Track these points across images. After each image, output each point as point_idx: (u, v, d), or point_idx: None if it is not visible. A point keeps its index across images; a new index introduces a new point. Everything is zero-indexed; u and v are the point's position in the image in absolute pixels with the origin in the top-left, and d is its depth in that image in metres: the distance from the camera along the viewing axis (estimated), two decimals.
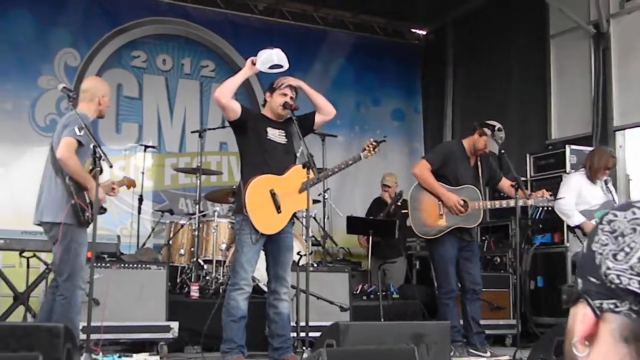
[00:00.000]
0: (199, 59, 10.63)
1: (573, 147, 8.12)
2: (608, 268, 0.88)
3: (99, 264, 5.85)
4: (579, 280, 0.93)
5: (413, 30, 12.43)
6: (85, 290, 5.13)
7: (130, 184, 5.77)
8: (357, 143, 11.10)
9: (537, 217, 7.74)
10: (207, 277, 7.20)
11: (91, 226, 4.97)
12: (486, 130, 6.32)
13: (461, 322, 6.47)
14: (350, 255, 9.60)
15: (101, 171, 5.16)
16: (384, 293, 7.27)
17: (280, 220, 5.39)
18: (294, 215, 5.63)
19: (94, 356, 5.05)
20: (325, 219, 8.59)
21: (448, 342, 5.06)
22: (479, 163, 6.50)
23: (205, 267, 7.37)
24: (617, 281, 0.87)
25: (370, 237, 8.11)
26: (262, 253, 5.53)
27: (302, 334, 5.22)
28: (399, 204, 8.13)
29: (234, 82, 5.43)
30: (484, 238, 8.54)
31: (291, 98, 5.51)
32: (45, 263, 6.48)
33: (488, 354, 6.30)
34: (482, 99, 10.73)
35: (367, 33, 11.90)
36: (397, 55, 12.17)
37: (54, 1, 9.66)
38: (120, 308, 5.87)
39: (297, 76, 5.81)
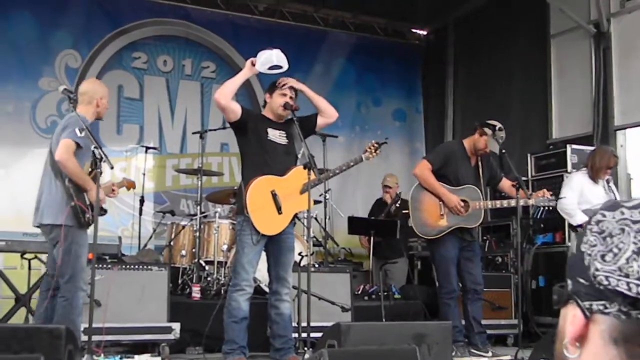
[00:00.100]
0: (199, 60, 10.64)
1: (574, 146, 8.13)
2: (596, 269, 0.87)
3: (100, 266, 5.85)
4: (569, 281, 0.93)
5: (414, 30, 12.43)
6: (86, 291, 5.13)
7: (130, 185, 5.78)
8: (358, 143, 11.12)
9: (538, 216, 7.74)
10: (209, 278, 7.20)
11: (92, 227, 4.98)
12: (487, 130, 6.32)
13: (463, 322, 6.47)
14: (351, 256, 9.60)
15: (100, 173, 5.17)
16: (385, 293, 7.26)
17: (281, 221, 5.39)
18: (295, 216, 5.63)
19: (95, 357, 5.05)
20: (327, 220, 8.59)
21: (450, 342, 5.06)
22: (479, 163, 6.50)
23: (207, 268, 7.37)
24: (605, 282, 0.86)
25: (372, 238, 8.11)
26: (264, 254, 5.54)
27: (304, 335, 5.22)
28: (398, 205, 8.13)
29: (233, 83, 5.43)
30: (485, 238, 8.54)
31: (291, 98, 5.52)
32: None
33: (490, 354, 6.30)
34: (483, 99, 10.73)
35: (367, 33, 11.90)
36: (397, 56, 12.17)
37: (54, 3, 9.66)
38: (122, 309, 5.87)
39: (298, 77, 5.81)
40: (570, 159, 8.00)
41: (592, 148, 7.58)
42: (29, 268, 6.52)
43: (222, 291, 6.56)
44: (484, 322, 6.58)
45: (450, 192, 6.31)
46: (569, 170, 7.85)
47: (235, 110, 5.38)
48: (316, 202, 7.84)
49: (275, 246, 5.46)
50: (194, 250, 7.46)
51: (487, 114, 7.93)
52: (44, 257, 6.52)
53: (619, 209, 0.90)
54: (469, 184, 6.38)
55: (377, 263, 8.52)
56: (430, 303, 7.26)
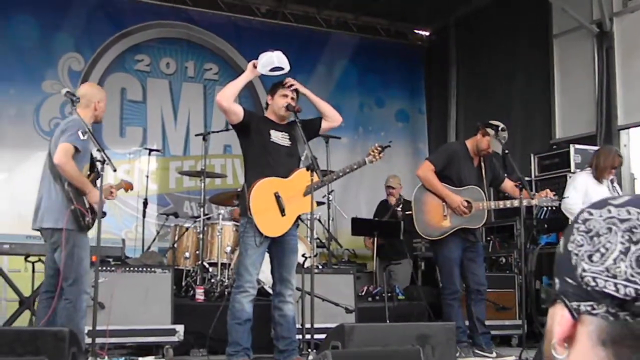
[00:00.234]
0: (202, 62, 10.65)
1: (577, 146, 8.12)
2: (584, 270, 0.86)
3: (104, 268, 5.86)
4: (556, 280, 0.91)
5: (416, 31, 12.42)
6: (90, 294, 5.14)
7: (128, 186, 5.78)
8: (361, 144, 11.12)
9: (542, 217, 7.73)
10: (212, 280, 7.20)
11: (95, 230, 4.99)
12: (489, 130, 6.31)
13: (466, 322, 6.46)
14: (355, 257, 9.60)
15: (99, 176, 5.20)
16: (389, 294, 7.26)
17: (285, 223, 5.39)
18: (299, 217, 5.63)
19: None
20: (330, 221, 8.58)
21: (454, 343, 5.05)
22: (482, 164, 6.49)
23: (210, 270, 7.38)
24: (593, 284, 0.85)
25: (376, 239, 8.11)
26: (267, 255, 5.53)
27: (308, 336, 5.21)
28: (399, 209, 8.13)
29: (235, 85, 5.43)
30: (489, 238, 8.53)
31: (292, 99, 5.52)
32: None
33: (494, 354, 6.30)
34: (486, 99, 10.72)
35: (370, 34, 11.90)
36: (400, 57, 12.17)
37: (57, 6, 9.68)
38: (126, 311, 5.87)
39: (300, 78, 5.83)
40: (574, 158, 7.99)
41: (595, 148, 7.56)
42: (33, 271, 6.52)
43: (226, 293, 6.55)
44: (487, 322, 6.58)
45: (453, 193, 6.31)
46: (572, 170, 7.84)
47: (237, 112, 5.38)
48: (319, 203, 7.84)
49: (278, 248, 5.45)
50: (197, 252, 7.47)
51: (490, 114, 7.93)
52: None
53: (606, 207, 0.89)
54: (471, 185, 6.37)
55: (381, 264, 8.53)
56: (434, 304, 7.25)
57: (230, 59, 10.72)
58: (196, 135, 8.99)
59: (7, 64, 9.27)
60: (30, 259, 6.53)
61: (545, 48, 9.72)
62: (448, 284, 6.40)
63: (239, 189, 7.83)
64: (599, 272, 0.84)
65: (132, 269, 6.26)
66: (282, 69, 5.46)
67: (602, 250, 0.85)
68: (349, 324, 4.88)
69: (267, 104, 5.69)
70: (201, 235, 7.40)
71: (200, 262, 7.30)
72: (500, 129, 6.31)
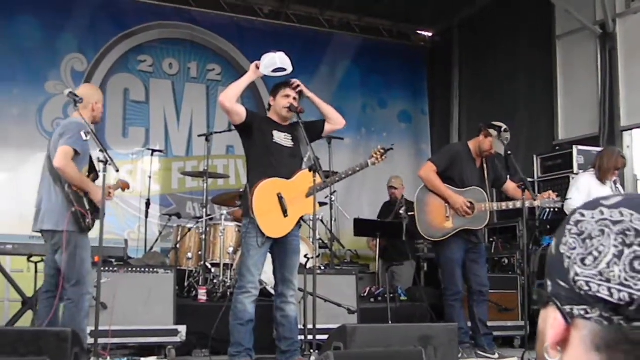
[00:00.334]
0: (205, 63, 10.66)
1: (580, 147, 8.11)
2: (576, 274, 0.84)
3: (106, 268, 5.86)
4: (549, 283, 0.90)
5: (419, 32, 12.43)
6: (93, 294, 5.15)
7: (125, 186, 5.78)
8: (364, 145, 11.13)
9: (544, 218, 7.72)
10: (215, 281, 7.20)
11: (97, 230, 4.99)
12: (492, 131, 6.31)
13: (469, 323, 6.46)
14: (357, 258, 9.60)
15: (97, 176, 5.22)
16: (391, 295, 7.26)
17: (287, 224, 5.38)
18: (301, 218, 5.63)
19: None
20: (333, 222, 8.58)
21: (456, 344, 5.05)
22: (484, 165, 6.49)
23: (213, 270, 7.38)
24: (586, 288, 0.83)
25: (379, 240, 8.11)
26: (270, 256, 5.53)
27: (310, 337, 5.21)
28: (401, 212, 8.13)
29: (238, 86, 5.43)
30: (491, 239, 8.53)
31: (294, 99, 5.51)
32: None
33: (496, 355, 6.29)
34: (489, 100, 10.72)
35: (373, 35, 11.90)
36: (403, 57, 12.18)
37: (60, 6, 9.70)
38: (128, 312, 5.88)
39: (303, 79, 5.81)
40: (577, 160, 7.98)
41: (598, 149, 7.56)
42: (36, 271, 6.52)
43: (228, 294, 6.55)
44: (490, 323, 6.57)
45: (455, 194, 6.30)
46: (575, 172, 7.84)
47: (240, 112, 5.38)
48: (322, 204, 7.84)
49: (281, 248, 5.45)
50: (200, 252, 7.47)
51: (493, 115, 7.92)
52: None
53: (598, 207, 0.88)
54: (474, 186, 6.37)
55: (384, 265, 8.52)
56: (436, 305, 7.23)
57: (233, 59, 10.73)
58: (199, 135, 8.99)
59: (10, 64, 9.29)
60: (33, 259, 6.54)
61: (548, 49, 9.71)
62: (450, 285, 6.40)
63: (241, 190, 7.84)
64: (592, 276, 0.83)
65: (134, 269, 6.26)
66: (284, 70, 5.46)
67: (595, 253, 0.84)
68: (351, 324, 4.88)
69: (270, 105, 5.69)
70: (204, 236, 7.40)
71: (202, 263, 7.31)
72: (502, 130, 6.31)
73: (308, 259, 6.51)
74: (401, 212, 8.06)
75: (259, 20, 11.05)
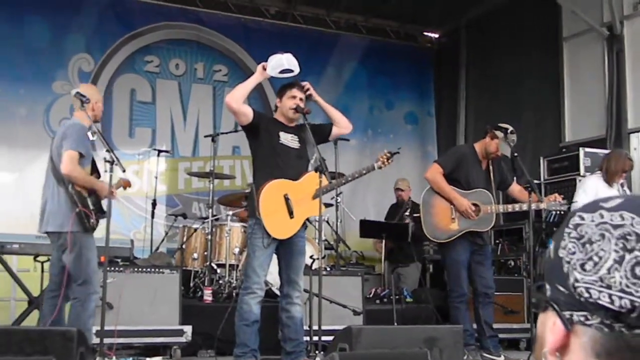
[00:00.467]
0: (211, 64, 10.68)
1: (587, 149, 8.08)
2: (576, 280, 0.82)
3: (112, 269, 5.87)
4: (547, 287, 0.87)
5: (426, 33, 12.42)
6: (99, 294, 5.16)
7: (126, 184, 5.79)
8: (370, 147, 11.13)
9: (551, 220, 7.70)
10: (220, 281, 7.21)
11: (104, 230, 5.01)
12: (498, 133, 6.30)
13: (474, 325, 6.45)
14: (363, 259, 9.59)
15: (99, 176, 5.24)
16: (397, 297, 7.25)
17: (293, 226, 5.38)
18: (307, 219, 5.63)
19: None
20: (338, 223, 8.58)
21: (461, 346, 5.04)
22: (490, 167, 6.48)
23: (219, 271, 7.38)
24: (586, 295, 0.81)
25: (385, 242, 8.10)
26: (275, 257, 5.54)
27: (315, 338, 5.21)
28: (407, 213, 8.13)
29: (245, 87, 5.43)
30: (497, 241, 8.51)
31: (300, 100, 5.51)
32: None
33: (502, 358, 6.28)
34: (495, 102, 10.71)
35: (379, 36, 11.90)
36: (410, 59, 12.18)
37: (67, 7, 9.73)
38: (134, 312, 5.89)
39: (310, 80, 5.81)
40: (583, 162, 7.96)
41: (605, 151, 7.54)
42: (42, 271, 6.54)
43: (234, 294, 6.56)
44: (496, 326, 6.56)
45: (461, 196, 6.29)
46: (581, 174, 7.82)
47: (247, 113, 5.38)
48: (328, 205, 7.84)
49: (286, 249, 5.45)
50: (205, 253, 7.48)
51: (500, 116, 7.91)
52: None
53: (598, 210, 0.85)
54: (480, 188, 6.36)
55: (390, 267, 8.52)
56: (442, 307, 7.23)
57: (239, 60, 10.75)
58: (205, 136, 9.00)
59: (18, 64, 9.33)
60: (39, 258, 6.56)
61: (555, 51, 9.69)
62: (455, 287, 6.38)
63: (246, 190, 7.86)
64: (593, 282, 0.81)
65: (140, 269, 6.27)
66: (291, 71, 5.46)
67: (595, 258, 0.81)
68: (356, 326, 4.87)
69: (276, 107, 5.70)
70: (209, 237, 7.41)
71: (208, 263, 7.31)
72: (509, 131, 6.29)
73: (314, 260, 6.52)
74: (407, 214, 8.07)
75: (266, 21, 11.06)
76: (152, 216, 8.65)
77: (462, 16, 11.49)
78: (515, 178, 6.71)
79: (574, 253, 0.84)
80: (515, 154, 6.22)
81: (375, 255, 9.29)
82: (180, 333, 6.04)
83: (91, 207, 5.11)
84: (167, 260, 7.74)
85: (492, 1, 10.78)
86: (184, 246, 7.69)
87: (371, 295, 7.99)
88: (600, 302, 0.80)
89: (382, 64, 11.80)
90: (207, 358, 6.17)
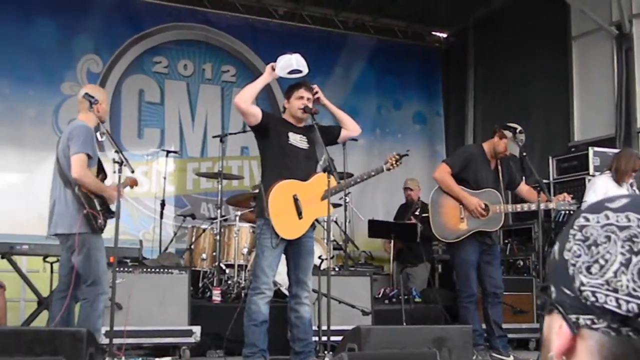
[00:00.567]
0: (219, 64, 10.69)
1: (596, 149, 8.05)
2: (582, 283, 0.80)
3: (121, 269, 5.88)
4: (552, 289, 0.86)
5: (434, 33, 12.40)
6: (108, 294, 5.18)
7: (133, 182, 5.81)
8: (378, 147, 11.12)
9: (560, 220, 7.68)
10: (229, 282, 7.22)
11: (112, 231, 5.03)
12: (506, 132, 6.28)
13: (483, 326, 6.43)
14: (372, 259, 9.58)
15: (106, 176, 5.25)
16: (406, 297, 7.24)
17: (301, 226, 5.38)
18: (315, 220, 5.63)
19: None
20: (347, 223, 8.57)
21: (470, 346, 5.03)
22: (499, 166, 6.46)
23: (227, 271, 7.39)
24: (592, 299, 0.79)
25: (394, 243, 8.10)
26: (284, 257, 5.54)
27: (324, 338, 5.21)
28: (417, 213, 8.12)
29: (253, 87, 5.43)
30: (506, 241, 8.49)
31: (308, 100, 5.51)
32: None
33: (511, 358, 6.26)
34: (504, 101, 10.68)
35: (387, 36, 11.89)
36: (418, 58, 12.17)
37: (76, 8, 9.75)
38: (143, 312, 5.90)
39: (318, 80, 5.86)
40: (593, 161, 7.93)
41: (614, 150, 7.50)
42: (51, 271, 6.57)
43: (243, 294, 6.57)
44: (505, 325, 6.55)
45: (470, 196, 6.28)
46: (591, 173, 7.79)
47: (256, 114, 5.38)
48: (336, 205, 7.83)
49: (295, 250, 5.45)
50: (214, 253, 7.49)
51: (508, 116, 7.90)
52: None
53: (604, 211, 0.83)
54: (488, 188, 6.34)
55: (398, 267, 8.51)
56: (450, 307, 7.22)
57: (247, 60, 10.76)
58: (213, 137, 9.01)
59: (26, 66, 9.36)
60: (49, 259, 6.59)
61: (564, 50, 9.66)
62: (465, 287, 6.37)
63: (253, 190, 7.87)
64: (599, 285, 0.79)
65: (149, 270, 6.28)
66: (300, 71, 5.45)
67: (602, 261, 0.79)
68: (365, 326, 4.87)
69: (284, 108, 5.70)
70: (218, 237, 7.42)
71: (217, 264, 7.32)
72: (517, 131, 6.28)
73: (322, 260, 6.52)
74: (416, 213, 8.06)
75: (274, 22, 11.07)
76: (161, 217, 8.67)
77: (470, 16, 11.47)
78: (524, 178, 6.70)
79: (579, 256, 0.82)
80: (524, 154, 6.20)
81: (384, 256, 9.28)
82: (189, 333, 6.05)
83: (98, 208, 5.13)
84: (176, 260, 7.75)
85: (500, 0, 10.76)
86: (192, 246, 7.70)
87: (380, 296, 7.98)
88: (607, 306, 0.78)
89: (390, 64, 11.79)
90: (216, 358, 6.18)
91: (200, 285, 7.37)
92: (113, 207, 5.24)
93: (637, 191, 6.77)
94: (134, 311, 5.75)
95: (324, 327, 5.19)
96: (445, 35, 12.42)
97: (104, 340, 5.12)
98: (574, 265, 0.82)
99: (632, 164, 6.69)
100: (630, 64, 8.64)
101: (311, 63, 5.58)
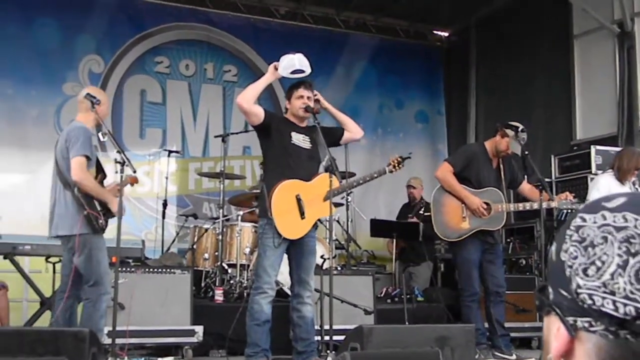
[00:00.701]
0: (221, 64, 10.69)
1: (598, 147, 8.05)
2: (579, 286, 0.79)
3: (123, 269, 5.89)
4: (550, 290, 0.85)
5: (435, 32, 12.39)
6: (111, 294, 5.18)
7: (133, 180, 5.81)
8: (380, 146, 11.12)
9: (562, 218, 7.66)
10: (231, 281, 7.22)
11: (115, 231, 5.03)
12: (508, 131, 6.27)
13: (486, 324, 6.43)
14: (374, 258, 9.58)
15: (105, 176, 5.25)
16: (408, 296, 7.24)
17: (304, 226, 5.38)
18: (318, 219, 5.64)
19: None
20: (349, 222, 8.58)
21: (473, 345, 5.03)
22: (501, 165, 6.46)
23: (230, 271, 7.39)
24: (589, 301, 0.78)
25: (396, 242, 8.10)
26: (286, 257, 5.54)
27: (326, 338, 5.21)
28: (422, 211, 8.12)
29: (256, 87, 5.43)
30: (509, 240, 8.49)
31: (308, 98, 5.51)
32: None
33: (513, 356, 6.26)
34: (506, 100, 10.67)
35: (389, 35, 11.88)
36: (419, 58, 12.16)
37: (78, 8, 9.75)
38: (145, 312, 5.90)
39: (320, 80, 5.85)
40: (595, 160, 7.92)
41: (617, 149, 7.49)
42: (54, 271, 6.57)
43: (245, 294, 6.57)
44: (507, 324, 6.54)
45: (472, 195, 6.28)
46: (593, 172, 7.78)
47: (258, 113, 5.38)
48: (338, 205, 7.84)
49: (297, 249, 5.45)
50: (216, 253, 7.49)
51: (510, 115, 7.89)
52: None
53: (600, 211, 0.82)
54: (490, 187, 6.34)
55: (401, 266, 8.51)
56: (453, 306, 7.22)
57: (249, 60, 10.76)
58: (215, 136, 9.01)
59: (28, 66, 9.36)
60: (51, 259, 6.59)
61: (565, 48, 9.65)
62: (467, 286, 6.37)
63: (250, 190, 7.87)
64: (596, 287, 0.78)
65: (151, 270, 6.28)
66: (303, 71, 5.45)
67: (598, 263, 0.78)
68: (367, 325, 4.87)
69: (287, 109, 5.70)
70: (220, 237, 7.42)
71: (219, 263, 7.32)
72: (519, 130, 6.27)
73: (324, 259, 6.51)
74: (421, 212, 8.06)
75: (275, 21, 11.07)
76: (163, 217, 8.67)
77: (472, 14, 11.46)
78: (526, 176, 6.70)
79: (575, 257, 0.81)
80: (526, 152, 6.19)
81: (386, 255, 9.28)
82: (192, 333, 6.05)
83: (98, 208, 5.14)
84: (178, 260, 7.75)
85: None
86: (195, 246, 7.71)
87: (382, 295, 7.98)
88: (604, 309, 0.77)
89: (392, 63, 11.79)
90: (219, 358, 6.18)
91: (203, 285, 7.38)
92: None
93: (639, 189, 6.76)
94: (137, 311, 5.75)
95: (327, 327, 5.19)
96: (447, 34, 12.41)
97: (107, 340, 5.13)
98: (570, 267, 0.81)
99: (635, 162, 6.68)
100: (632, 62, 8.64)
101: (313, 63, 5.57)
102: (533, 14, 10.21)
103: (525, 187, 6.58)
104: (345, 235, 8.49)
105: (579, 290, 0.79)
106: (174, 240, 8.68)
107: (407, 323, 6.80)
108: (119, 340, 5.20)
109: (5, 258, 6.61)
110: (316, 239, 5.75)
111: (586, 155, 8.03)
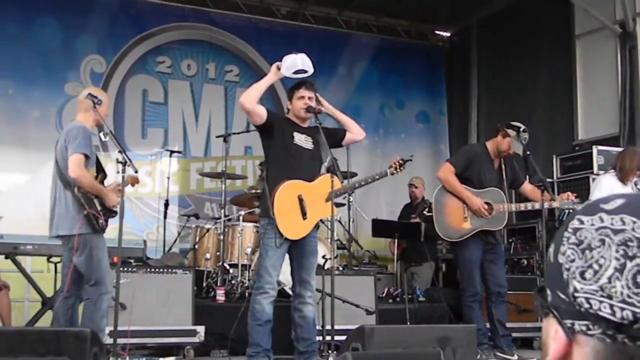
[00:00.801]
0: (223, 64, 10.69)
1: (600, 147, 8.04)
2: (576, 289, 0.78)
3: (125, 269, 5.89)
4: (548, 292, 0.84)
5: (437, 32, 12.40)
6: (112, 294, 5.18)
7: (134, 180, 5.80)
8: (382, 146, 11.12)
9: (564, 218, 7.65)
10: (233, 281, 7.22)
11: (116, 231, 5.03)
12: (510, 131, 6.27)
13: (487, 325, 6.43)
14: (375, 259, 9.59)
15: (105, 176, 5.26)
16: (410, 296, 7.24)
17: (305, 226, 5.38)
18: (320, 220, 5.64)
19: None
20: (351, 223, 8.58)
21: (474, 345, 5.02)
22: (502, 165, 6.45)
23: (231, 271, 7.39)
24: (586, 305, 0.77)
25: (398, 242, 8.10)
26: (288, 257, 5.54)
27: (328, 338, 5.20)
28: (426, 212, 8.11)
29: (258, 87, 5.43)
30: (510, 240, 8.48)
31: (309, 98, 5.51)
32: None
33: (515, 357, 6.26)
34: (508, 100, 10.67)
35: (390, 35, 11.88)
36: (421, 58, 12.15)
37: (79, 8, 9.76)
38: (147, 312, 5.90)
39: (321, 80, 5.84)
40: (597, 160, 7.91)
41: (618, 149, 7.49)
42: (55, 271, 6.57)
43: (247, 294, 6.58)
44: (509, 324, 6.54)
45: (473, 195, 6.27)
46: (595, 172, 7.77)
47: (261, 113, 5.38)
48: (340, 205, 7.84)
49: (298, 249, 5.45)
50: (218, 253, 7.48)
51: (512, 115, 7.88)
52: None
53: (598, 213, 0.81)
54: (492, 187, 6.34)
55: (402, 266, 8.50)
56: (455, 306, 7.21)
57: (251, 60, 10.76)
58: (217, 136, 9.01)
59: (30, 66, 9.37)
60: (53, 259, 6.59)
61: (567, 49, 9.65)
62: (468, 286, 6.37)
63: (249, 191, 7.87)
64: (593, 291, 0.77)
65: (153, 270, 6.29)
66: (305, 71, 5.44)
67: (595, 266, 0.78)
68: (369, 325, 4.86)
69: (289, 110, 5.70)
70: (222, 237, 7.41)
71: (221, 263, 7.32)
72: (521, 130, 6.27)
73: (326, 259, 6.51)
74: (425, 212, 8.05)
75: (277, 21, 11.07)
76: (165, 217, 8.67)
77: (474, 14, 11.46)
78: (527, 177, 6.69)
79: (573, 260, 0.80)
80: (528, 153, 6.19)
81: (388, 255, 9.28)
82: (193, 333, 6.05)
83: (99, 208, 5.14)
84: (180, 260, 7.76)
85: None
86: (196, 246, 7.70)
87: (384, 295, 7.97)
88: (601, 313, 0.77)
89: (393, 63, 11.79)
90: (220, 358, 6.18)
91: (204, 285, 7.38)
92: (116, 208, 5.24)
93: None
94: (138, 311, 5.75)
95: (328, 327, 5.19)
96: (448, 35, 12.42)
97: (108, 340, 5.13)
98: (567, 270, 0.81)
99: (637, 162, 6.67)
100: (634, 62, 8.63)
101: (314, 62, 5.57)
102: (535, 14, 10.21)
103: (527, 187, 6.58)
104: (346, 235, 8.49)
105: (576, 294, 0.79)
106: (175, 240, 8.68)
107: (408, 323, 6.80)
108: (120, 340, 5.19)
109: (6, 258, 6.61)
110: (318, 239, 5.75)
111: (588, 156, 8.02)
